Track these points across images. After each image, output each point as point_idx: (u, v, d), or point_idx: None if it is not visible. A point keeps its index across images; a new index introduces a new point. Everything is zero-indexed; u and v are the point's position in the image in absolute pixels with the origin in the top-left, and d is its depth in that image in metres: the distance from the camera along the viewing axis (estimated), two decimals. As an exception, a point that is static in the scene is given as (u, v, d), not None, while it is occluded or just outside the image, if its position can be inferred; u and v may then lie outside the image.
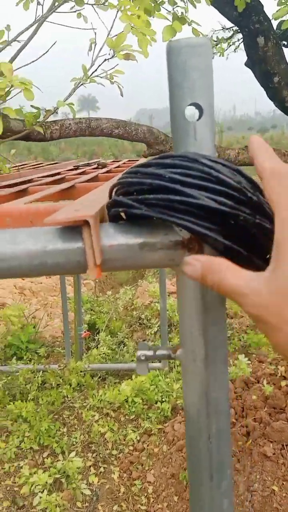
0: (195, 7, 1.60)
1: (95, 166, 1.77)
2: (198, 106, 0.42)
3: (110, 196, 0.45)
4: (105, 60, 1.06)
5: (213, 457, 0.48)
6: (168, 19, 1.49)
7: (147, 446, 2.40)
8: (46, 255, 0.43)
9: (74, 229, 0.43)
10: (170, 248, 0.44)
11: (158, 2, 1.45)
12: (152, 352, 0.48)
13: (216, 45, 3.96)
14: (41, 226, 0.58)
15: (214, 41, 3.89)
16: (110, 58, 1.05)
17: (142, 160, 1.89)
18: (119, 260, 0.44)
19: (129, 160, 2.23)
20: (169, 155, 0.39)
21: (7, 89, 0.72)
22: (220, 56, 4.01)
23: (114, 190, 0.44)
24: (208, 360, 0.46)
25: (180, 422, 2.44)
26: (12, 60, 0.89)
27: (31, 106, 0.84)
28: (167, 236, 0.44)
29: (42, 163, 2.45)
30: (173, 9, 1.58)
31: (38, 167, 2.07)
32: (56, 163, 2.51)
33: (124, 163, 1.97)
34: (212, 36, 3.95)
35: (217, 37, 3.94)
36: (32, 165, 2.22)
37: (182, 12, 1.58)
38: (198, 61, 0.40)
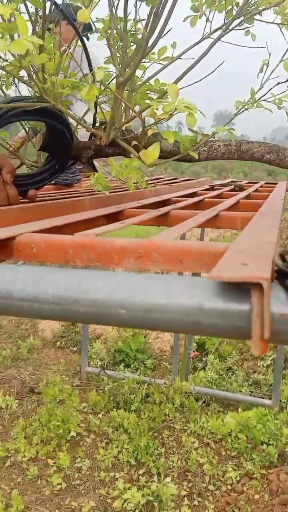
0: None
1: (232, 187, 1.69)
2: None
3: (282, 259, 0.38)
4: (278, 83, 0.97)
5: None
6: None
7: (247, 489, 2.22)
8: (202, 314, 0.36)
9: (238, 284, 0.36)
10: None
11: None
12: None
13: None
14: (190, 267, 0.52)
15: None
16: (284, 82, 0.96)
17: (283, 185, 1.76)
18: (290, 334, 0.35)
19: (266, 183, 2.10)
20: None
21: (170, 113, 0.68)
22: None
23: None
24: None
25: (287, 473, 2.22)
26: (177, 80, 0.86)
27: (189, 129, 0.79)
28: None
29: (176, 179, 2.44)
30: None
31: (172, 183, 2.06)
32: (189, 179, 2.48)
33: (261, 187, 1.86)
34: None
35: None
36: (167, 181, 2.22)
37: None
38: None
